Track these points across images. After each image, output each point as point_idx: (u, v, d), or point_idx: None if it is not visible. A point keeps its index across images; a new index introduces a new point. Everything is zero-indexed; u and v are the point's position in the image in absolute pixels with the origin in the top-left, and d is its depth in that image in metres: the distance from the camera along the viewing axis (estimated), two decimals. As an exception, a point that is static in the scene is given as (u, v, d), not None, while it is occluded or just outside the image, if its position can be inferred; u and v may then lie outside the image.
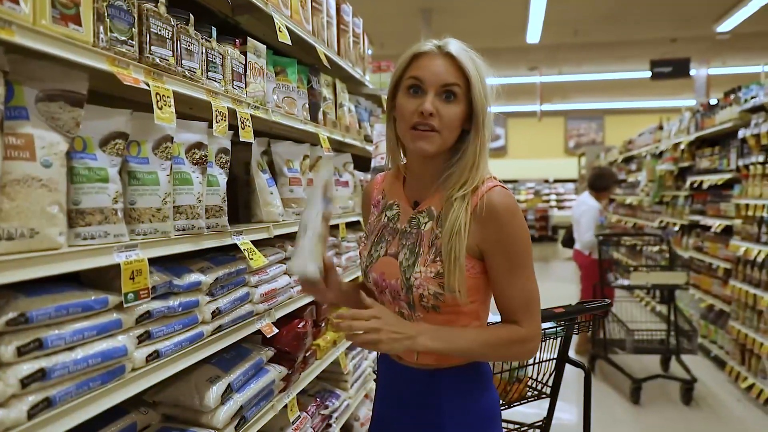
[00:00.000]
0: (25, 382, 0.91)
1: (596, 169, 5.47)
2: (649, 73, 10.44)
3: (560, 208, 18.15)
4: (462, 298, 1.20)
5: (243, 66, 1.68)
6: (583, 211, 5.05)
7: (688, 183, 5.68)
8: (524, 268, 1.22)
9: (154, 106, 1.20)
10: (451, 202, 1.21)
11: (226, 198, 1.58)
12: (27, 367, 0.92)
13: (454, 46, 1.22)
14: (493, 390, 1.36)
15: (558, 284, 9.42)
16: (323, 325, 2.33)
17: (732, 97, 4.63)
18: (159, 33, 1.25)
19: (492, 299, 1.31)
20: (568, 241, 5.64)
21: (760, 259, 3.89)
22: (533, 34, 9.81)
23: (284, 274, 1.92)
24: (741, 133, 4.28)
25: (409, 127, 1.21)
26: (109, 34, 1.11)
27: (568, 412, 3.51)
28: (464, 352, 1.23)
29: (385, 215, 1.37)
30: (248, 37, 1.72)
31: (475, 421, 1.30)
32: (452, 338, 1.20)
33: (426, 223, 1.27)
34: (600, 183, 5.22)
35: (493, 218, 1.19)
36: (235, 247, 1.62)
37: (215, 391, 1.47)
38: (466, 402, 1.29)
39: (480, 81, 1.22)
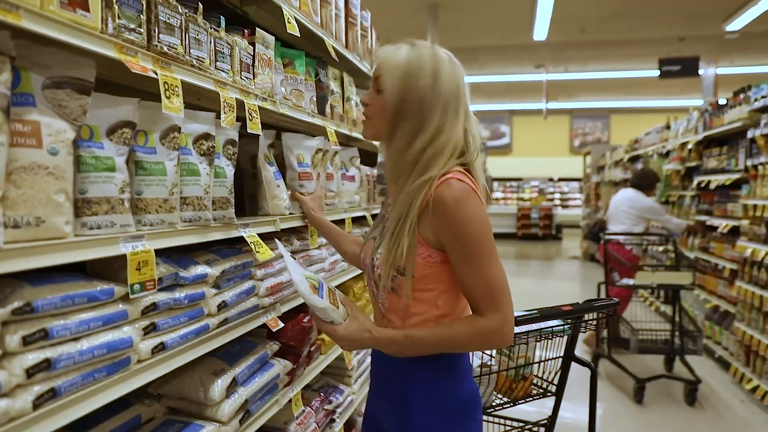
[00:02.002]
0: (31, 372, 0.90)
1: (641, 170, 5.58)
2: (656, 72, 10.38)
3: (564, 206, 18.13)
4: (407, 281, 1.26)
5: (251, 57, 1.66)
6: (641, 204, 5.15)
7: (695, 183, 5.64)
8: (480, 256, 1.22)
9: (162, 96, 1.18)
10: (403, 192, 1.28)
11: (233, 190, 1.56)
12: (32, 357, 0.91)
13: (393, 46, 1.32)
14: (467, 381, 1.36)
15: (561, 283, 9.41)
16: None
17: (741, 96, 4.59)
18: (168, 21, 1.24)
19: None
20: (595, 236, 5.66)
21: (767, 261, 3.86)
22: (540, 31, 9.77)
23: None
24: (750, 133, 4.25)
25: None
26: (117, 21, 1.09)
27: (572, 411, 3.49)
28: (424, 351, 1.28)
29: (387, 204, 1.49)
30: (257, 28, 1.70)
31: (442, 412, 1.31)
32: (407, 341, 1.26)
33: (392, 209, 1.35)
34: (644, 182, 5.28)
35: (441, 210, 1.22)
36: (241, 240, 1.61)
37: (220, 385, 1.46)
38: (433, 392, 1.31)
39: (396, 73, 1.27)
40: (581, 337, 4.88)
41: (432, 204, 1.22)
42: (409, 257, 1.25)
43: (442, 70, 1.28)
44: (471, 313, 1.28)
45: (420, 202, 1.23)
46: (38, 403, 0.90)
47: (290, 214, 1.90)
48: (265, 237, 1.75)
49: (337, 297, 1.34)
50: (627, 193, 5.36)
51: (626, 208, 5.22)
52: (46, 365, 0.92)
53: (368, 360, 2.78)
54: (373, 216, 2.90)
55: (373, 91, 1.33)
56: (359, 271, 2.58)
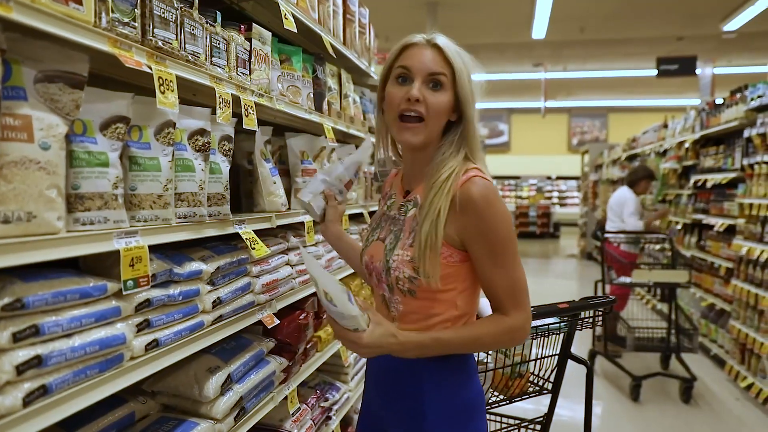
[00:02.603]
0: (21, 369, 0.89)
1: (632, 167, 5.62)
2: (654, 71, 10.38)
3: (562, 205, 18.15)
4: (433, 283, 1.22)
5: (248, 53, 1.65)
6: (623, 201, 5.17)
7: (691, 181, 5.65)
8: (506, 256, 1.22)
9: (157, 91, 1.17)
10: (432, 188, 1.23)
11: (228, 186, 1.55)
12: (23, 354, 0.90)
13: (442, 39, 1.27)
14: (476, 380, 1.36)
15: (558, 281, 9.43)
16: (324, 316, 2.31)
17: (738, 95, 4.59)
18: (162, 15, 1.23)
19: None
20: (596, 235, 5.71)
21: (762, 259, 3.87)
22: (539, 30, 9.75)
23: (286, 264, 1.90)
24: (746, 133, 4.25)
25: (396, 115, 1.26)
26: (110, 14, 1.08)
27: (568, 408, 3.49)
28: (447, 353, 1.25)
29: (386, 204, 1.43)
30: (253, 24, 1.69)
31: (457, 411, 1.29)
32: (434, 344, 1.21)
33: (410, 210, 1.31)
34: (632, 178, 5.31)
35: (471, 208, 1.20)
36: (237, 237, 1.60)
37: (215, 382, 1.45)
38: (448, 392, 1.29)
39: (465, 73, 1.26)
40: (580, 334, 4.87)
41: (459, 203, 1.20)
42: (435, 259, 1.21)
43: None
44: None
45: (446, 201, 1.20)
46: (29, 400, 0.89)
47: (287, 210, 1.89)
48: (262, 233, 1.74)
49: (357, 300, 1.27)
50: (618, 191, 5.43)
51: (614, 206, 5.31)
52: (37, 362, 0.91)
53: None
54: (371, 213, 2.90)
55: (427, 89, 1.23)
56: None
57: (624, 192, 5.29)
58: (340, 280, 2.48)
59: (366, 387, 1.48)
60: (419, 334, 1.22)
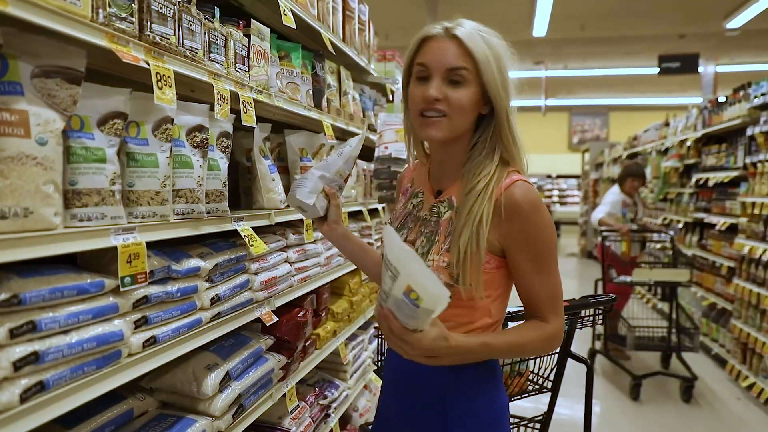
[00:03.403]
0: (18, 365, 0.88)
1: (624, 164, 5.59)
2: (655, 69, 10.36)
3: (562, 204, 18.12)
4: (476, 292, 1.16)
5: (246, 49, 1.64)
6: (606, 196, 5.19)
7: (693, 180, 5.64)
8: (550, 263, 1.19)
9: (154, 86, 1.17)
10: (471, 193, 1.17)
11: (227, 183, 1.55)
12: (20, 350, 0.90)
13: (463, 28, 1.18)
14: (502, 390, 1.30)
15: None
16: (323, 314, 2.31)
17: (741, 93, 4.58)
18: (160, 11, 1.22)
19: (507, 296, 1.28)
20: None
21: (765, 258, 3.86)
22: (540, 27, 9.73)
23: (285, 262, 1.90)
24: (749, 131, 4.24)
25: (417, 114, 1.20)
26: (108, 9, 1.07)
27: (567, 407, 3.49)
28: (489, 358, 1.20)
29: (411, 203, 1.36)
30: (252, 20, 1.69)
31: (480, 423, 1.22)
32: (483, 349, 1.14)
33: (445, 212, 1.24)
34: (620, 175, 5.28)
35: (516, 214, 1.15)
36: (235, 234, 1.60)
37: (213, 379, 1.45)
38: (473, 403, 1.22)
39: (493, 61, 1.16)
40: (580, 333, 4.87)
41: (504, 209, 1.14)
42: (479, 267, 1.15)
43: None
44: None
45: (491, 206, 1.15)
46: (26, 396, 0.89)
47: (286, 207, 1.88)
48: (260, 231, 1.73)
49: None
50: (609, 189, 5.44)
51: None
52: (34, 358, 0.91)
53: (364, 355, 2.77)
54: (371, 211, 2.89)
55: (448, 85, 1.16)
56: (354, 267, 2.56)
57: (611, 189, 5.31)
58: (339, 277, 2.47)
59: (384, 388, 1.40)
60: (468, 338, 1.12)
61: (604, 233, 4.74)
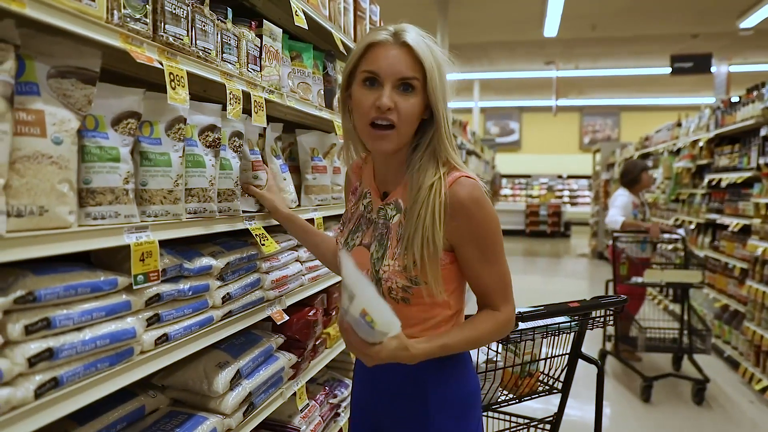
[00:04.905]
0: (33, 361, 0.90)
1: (622, 165, 5.41)
2: (667, 69, 10.28)
3: (573, 204, 18.04)
4: (436, 290, 1.20)
5: (258, 49, 1.65)
6: (614, 196, 5.07)
7: (705, 181, 5.58)
8: (496, 253, 1.23)
9: (168, 86, 1.18)
10: (419, 195, 1.19)
11: (238, 182, 1.56)
12: (34, 346, 0.91)
13: (411, 35, 1.18)
14: (472, 373, 1.37)
15: (569, 280, 9.37)
16: (334, 313, 2.31)
17: (754, 93, 4.53)
18: (173, 12, 1.23)
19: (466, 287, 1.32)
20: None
21: (778, 260, 3.82)
22: (551, 27, 9.69)
23: (296, 261, 1.90)
24: (763, 131, 4.20)
25: (367, 122, 1.20)
26: (122, 10, 1.08)
27: (578, 408, 3.47)
28: (454, 352, 1.25)
29: (362, 203, 1.38)
30: (264, 20, 1.70)
31: (459, 407, 1.30)
32: (442, 351, 1.20)
33: (394, 216, 1.27)
34: (627, 178, 5.12)
35: (461, 212, 1.19)
36: (246, 233, 1.61)
37: (224, 377, 1.46)
38: (448, 389, 1.29)
39: (437, 71, 1.18)
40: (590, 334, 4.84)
41: (450, 206, 1.18)
42: (437, 265, 1.19)
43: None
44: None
45: (439, 206, 1.18)
46: (40, 392, 0.90)
47: (297, 206, 1.89)
48: (272, 230, 1.74)
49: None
50: (615, 192, 5.32)
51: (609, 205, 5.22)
52: (49, 354, 0.92)
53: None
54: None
55: (398, 93, 1.17)
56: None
57: (618, 191, 5.19)
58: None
59: (359, 383, 1.44)
60: (427, 342, 1.18)
61: (615, 234, 4.71)
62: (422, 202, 1.19)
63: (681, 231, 4.88)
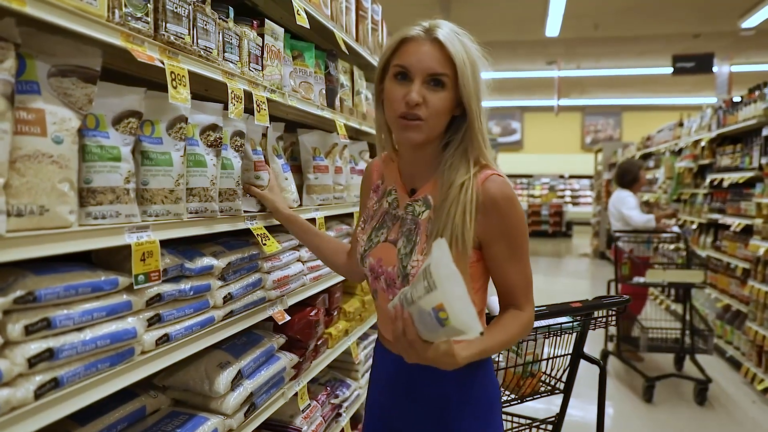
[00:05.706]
0: (33, 362, 0.89)
1: (619, 167, 5.34)
2: (669, 69, 10.26)
3: (575, 204, 18.01)
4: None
5: (260, 48, 1.65)
6: (620, 202, 5.00)
7: (707, 181, 5.57)
8: (524, 253, 1.24)
9: (169, 85, 1.17)
10: (450, 192, 1.19)
11: (240, 182, 1.55)
12: (35, 347, 0.91)
13: (443, 31, 1.19)
14: (493, 376, 1.36)
15: (571, 280, 9.36)
16: (335, 313, 2.31)
17: (756, 93, 4.52)
18: (175, 10, 1.22)
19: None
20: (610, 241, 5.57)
21: (781, 260, 3.81)
22: (552, 27, 9.66)
23: (298, 261, 1.90)
24: (765, 131, 4.19)
25: (396, 115, 1.20)
26: (123, 9, 1.08)
27: (580, 408, 3.46)
28: (487, 356, 1.25)
29: (386, 200, 1.37)
30: (266, 19, 1.69)
31: (481, 410, 1.29)
32: (480, 356, 1.15)
33: (423, 212, 1.26)
34: (626, 179, 5.10)
35: (494, 209, 1.19)
36: (248, 232, 1.60)
37: (225, 377, 1.45)
38: (472, 391, 1.28)
39: (469, 67, 1.18)
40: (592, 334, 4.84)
41: (483, 203, 1.18)
42: (465, 260, 1.18)
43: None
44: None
45: (470, 203, 1.17)
46: (40, 392, 0.90)
47: (298, 206, 1.88)
48: (273, 230, 1.74)
49: None
50: (615, 193, 5.27)
51: (611, 208, 5.18)
52: (49, 355, 0.92)
53: (375, 355, 2.76)
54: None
55: (427, 89, 1.17)
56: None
57: (620, 193, 5.14)
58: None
59: (377, 384, 1.43)
60: (468, 350, 1.10)
61: (617, 234, 4.70)
62: (453, 199, 1.18)
63: (675, 228, 4.88)
